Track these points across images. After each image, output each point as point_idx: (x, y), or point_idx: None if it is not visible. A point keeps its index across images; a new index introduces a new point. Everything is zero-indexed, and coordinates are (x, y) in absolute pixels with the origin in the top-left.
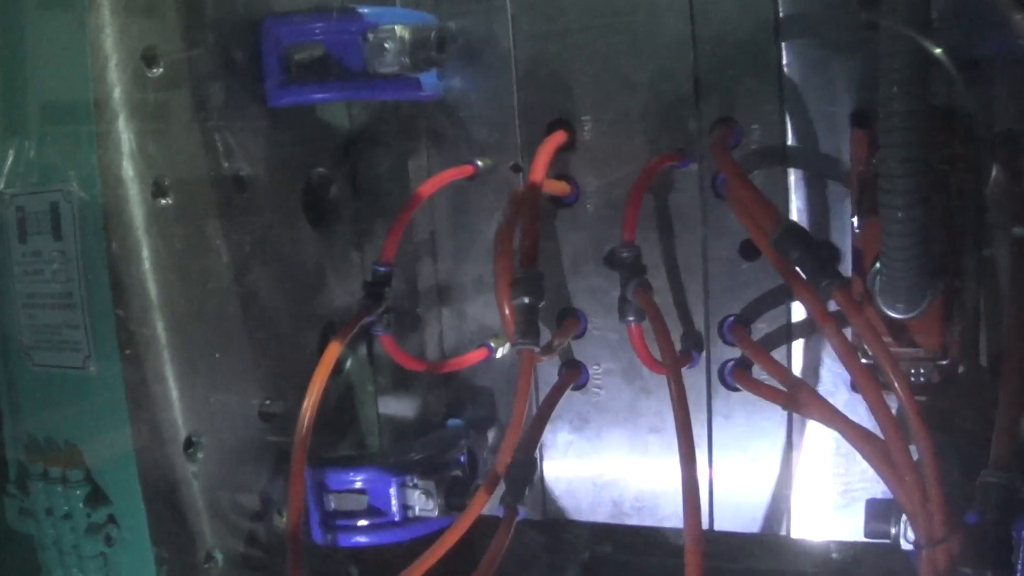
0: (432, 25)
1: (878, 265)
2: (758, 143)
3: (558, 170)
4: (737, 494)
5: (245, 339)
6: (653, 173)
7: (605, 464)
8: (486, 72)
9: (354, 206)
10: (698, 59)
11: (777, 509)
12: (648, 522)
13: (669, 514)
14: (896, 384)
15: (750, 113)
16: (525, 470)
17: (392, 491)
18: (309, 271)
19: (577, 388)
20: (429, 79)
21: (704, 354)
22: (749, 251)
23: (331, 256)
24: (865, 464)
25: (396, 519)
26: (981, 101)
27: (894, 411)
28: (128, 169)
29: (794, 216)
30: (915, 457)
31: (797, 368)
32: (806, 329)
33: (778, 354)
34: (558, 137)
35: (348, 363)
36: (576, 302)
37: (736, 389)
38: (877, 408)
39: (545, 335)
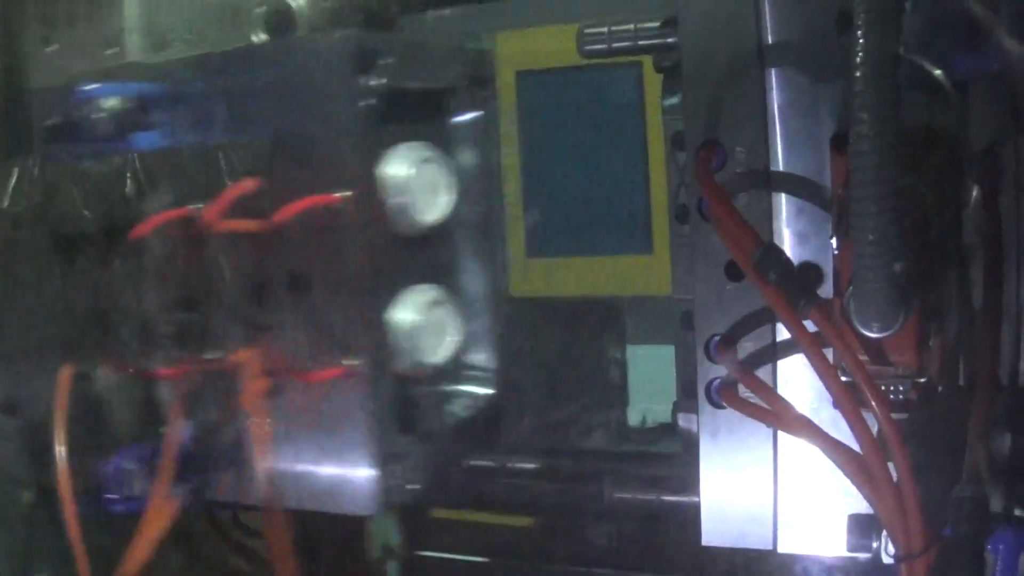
0: (136, 95)
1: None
2: (742, 166)
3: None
4: (724, 510)
5: None
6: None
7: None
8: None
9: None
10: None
11: (764, 525)
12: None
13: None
14: (872, 401)
15: (734, 135)
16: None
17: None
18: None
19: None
20: (144, 139)
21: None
22: (734, 272)
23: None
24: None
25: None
26: (960, 120)
27: (874, 428)
28: None
29: (779, 238)
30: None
31: (782, 386)
32: (790, 348)
33: (763, 372)
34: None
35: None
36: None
37: (722, 407)
38: (855, 425)
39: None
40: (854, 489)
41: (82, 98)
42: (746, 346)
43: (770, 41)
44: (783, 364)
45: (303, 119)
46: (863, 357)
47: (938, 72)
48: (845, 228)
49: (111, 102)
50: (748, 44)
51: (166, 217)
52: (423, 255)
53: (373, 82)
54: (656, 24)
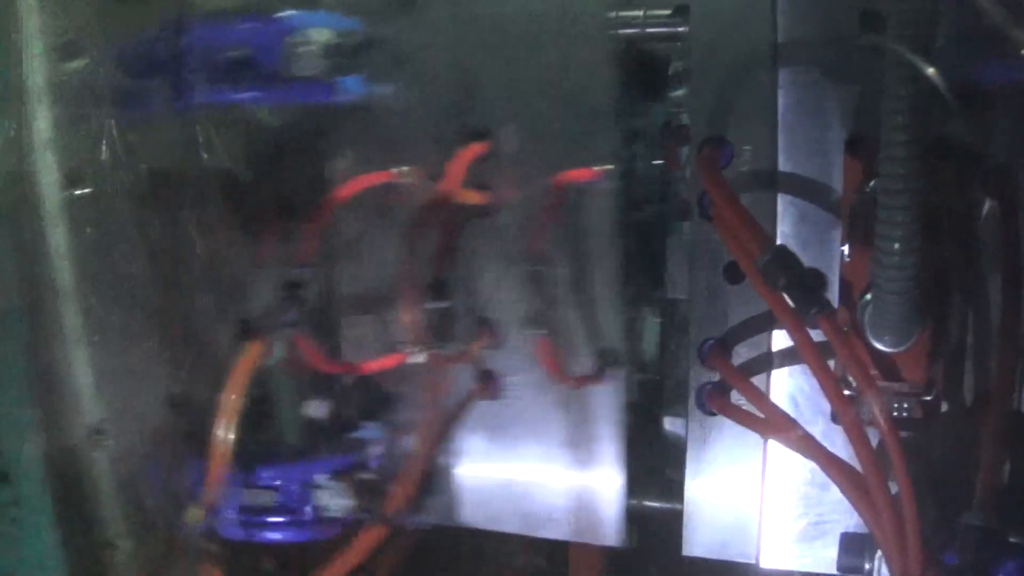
0: (355, 30)
1: (868, 296)
2: (748, 165)
3: (476, 180)
4: (708, 519)
5: (159, 331)
6: (568, 186)
7: (518, 475)
8: (410, 80)
9: (274, 207)
10: (691, 73)
11: (747, 537)
12: (561, 536)
13: (583, 529)
14: (880, 418)
15: (742, 133)
16: (434, 477)
17: (304, 489)
18: (227, 269)
19: (491, 397)
20: (352, 84)
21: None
22: (733, 274)
23: (249, 255)
24: (839, 496)
25: (307, 517)
26: (979, 132)
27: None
28: (42, 157)
29: (780, 242)
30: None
31: (776, 396)
32: (787, 357)
33: (757, 381)
34: (476, 148)
35: (269, 361)
36: (491, 311)
37: (712, 414)
38: (857, 441)
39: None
40: (846, 506)
41: (283, 28)
42: (741, 352)
43: (783, 39)
44: (776, 374)
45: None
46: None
47: (940, 82)
48: (859, 236)
49: (323, 35)
50: (761, 40)
51: (368, 181)
52: None
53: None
54: (667, 12)
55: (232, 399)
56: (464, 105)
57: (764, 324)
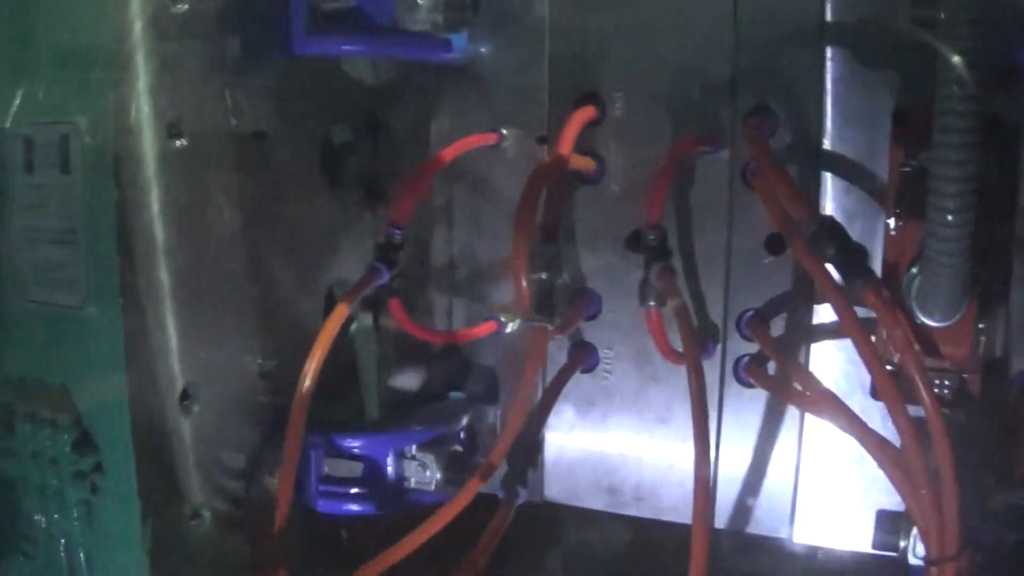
0: None
1: (914, 270)
2: (793, 136)
3: (584, 146)
4: (741, 493)
5: (248, 295)
6: (683, 155)
7: (608, 451)
8: (518, 39)
9: (371, 167)
10: (739, 43)
11: (781, 511)
12: (647, 513)
13: (669, 507)
14: (923, 394)
15: (788, 104)
16: (529, 451)
17: (389, 460)
18: (320, 231)
19: (586, 371)
20: (459, 41)
21: (719, 347)
22: (775, 245)
23: (343, 217)
24: (875, 473)
25: (390, 489)
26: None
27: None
28: (144, 108)
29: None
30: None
31: (814, 370)
32: (826, 332)
33: (795, 355)
34: (587, 111)
35: (352, 327)
36: (592, 283)
37: (750, 385)
38: (899, 417)
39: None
40: (881, 483)
41: None
42: (779, 324)
43: (832, 10)
44: (815, 348)
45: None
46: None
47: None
48: (906, 209)
49: None
50: (809, 11)
51: (472, 143)
52: None
53: None
54: None
55: (316, 362)
56: (576, 67)
57: (804, 297)
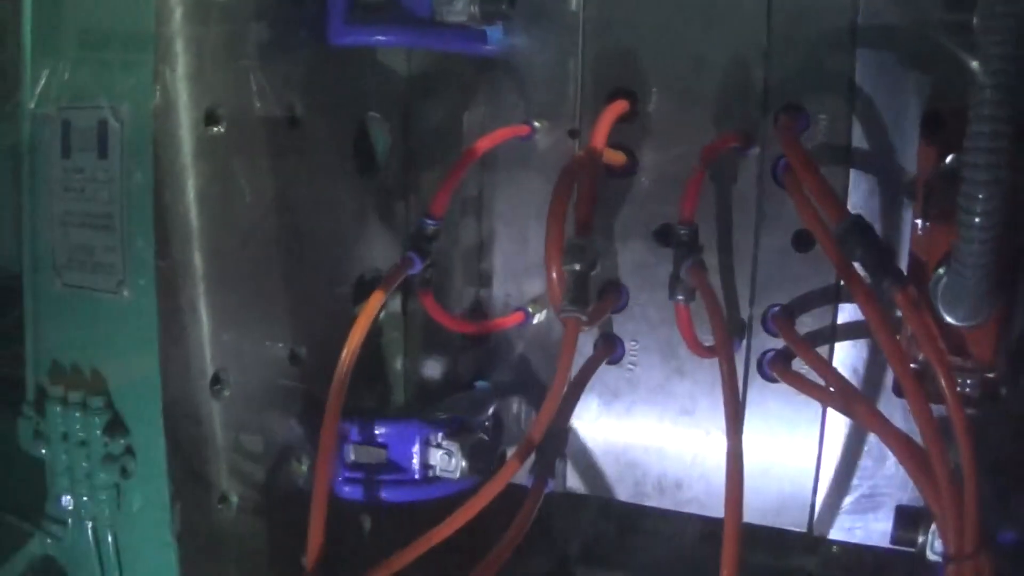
0: None
1: (941, 271)
2: (824, 135)
3: (615, 140)
4: (762, 486)
5: (281, 281)
6: (718, 152)
7: (631, 442)
8: (552, 33)
9: (403, 156)
10: (772, 42)
11: (800, 505)
12: (668, 505)
13: (690, 499)
14: (947, 392)
15: (819, 103)
16: (558, 441)
17: (415, 448)
18: (352, 218)
19: (611, 362)
20: (494, 34)
21: (744, 342)
22: (802, 242)
23: (375, 206)
24: (893, 469)
25: (416, 477)
26: None
27: None
28: (182, 94)
29: None
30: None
31: (837, 367)
32: (851, 330)
33: (820, 351)
34: (620, 106)
35: (380, 315)
36: (620, 275)
37: (773, 380)
38: (921, 415)
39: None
40: (900, 480)
41: None
42: (805, 321)
43: (864, 13)
44: (839, 346)
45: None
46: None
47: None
48: (934, 210)
49: None
50: (842, 12)
51: (507, 134)
52: None
53: None
54: None
55: (353, 347)
56: (610, 62)
57: (829, 295)
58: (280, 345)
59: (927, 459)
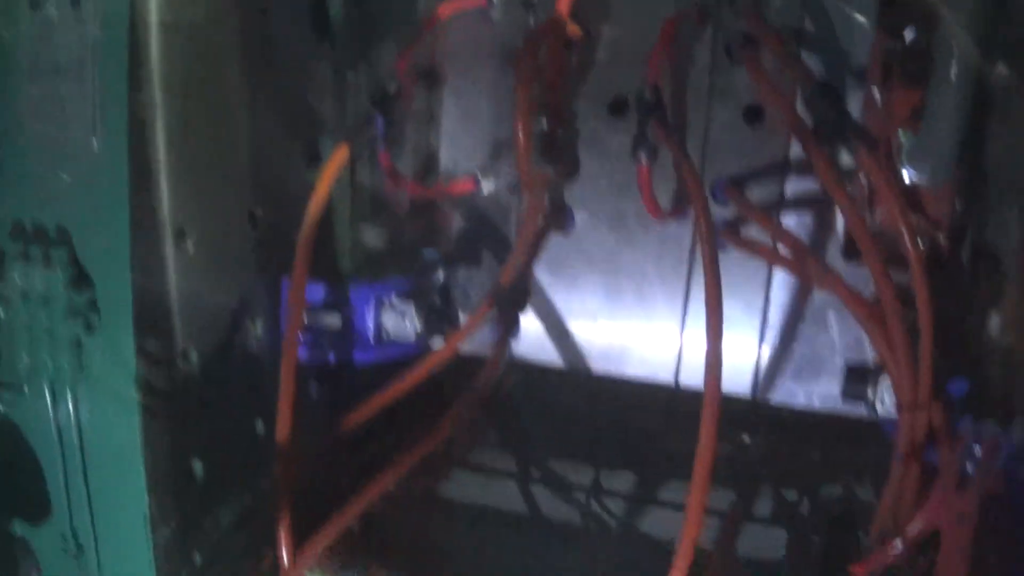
0: None
1: (903, 136)
2: (774, 15)
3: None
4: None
5: (242, 140)
6: (677, 25)
7: (577, 311)
8: None
9: (359, 22)
10: None
11: (744, 370)
12: (614, 372)
13: (636, 366)
14: (909, 247)
15: None
16: (521, 295)
17: (368, 310)
18: (308, 83)
19: (561, 231)
20: None
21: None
22: (752, 116)
23: (330, 71)
24: (836, 334)
25: (370, 339)
26: None
27: None
28: None
29: None
30: None
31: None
32: (797, 202)
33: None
34: None
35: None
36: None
37: (721, 248)
38: (880, 273)
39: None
40: (843, 344)
41: None
42: (753, 192)
43: None
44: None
45: None
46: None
47: None
48: (898, 79)
49: None
50: None
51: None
52: None
53: None
54: None
55: (320, 198)
56: None
57: (776, 168)
58: (239, 203)
59: (882, 315)
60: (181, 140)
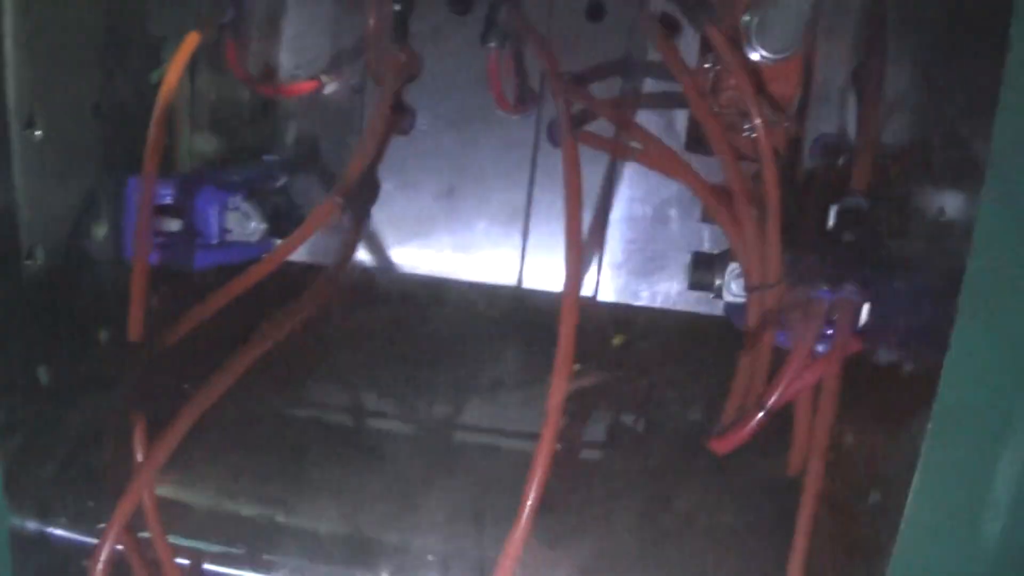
0: None
1: (747, 16)
2: None
3: None
4: (549, 254)
5: (87, 27)
6: None
7: (419, 214)
8: None
9: None
10: None
11: (586, 272)
12: (462, 276)
13: (483, 266)
14: (758, 124)
15: None
16: (370, 188)
17: (212, 210)
18: None
19: (402, 132)
20: None
21: (536, 109)
22: (595, 12)
23: None
24: (676, 231)
25: (214, 240)
26: None
27: None
28: None
29: None
30: None
31: None
32: (641, 97)
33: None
34: None
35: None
36: (414, 44)
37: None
38: (727, 156)
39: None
40: (684, 242)
41: None
42: (597, 89)
43: None
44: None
45: None
46: None
47: None
48: None
49: None
50: None
51: None
52: None
53: None
54: None
55: (166, 94)
56: None
57: (621, 64)
58: (85, 93)
59: (730, 198)
60: (27, 21)
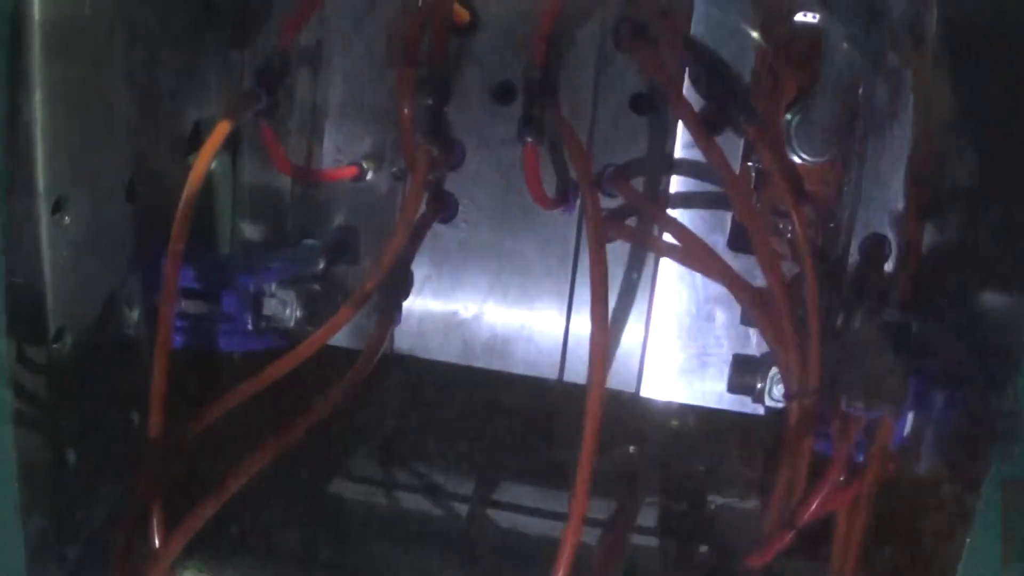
0: None
1: (790, 115)
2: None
3: None
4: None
5: (121, 111)
6: (561, 7)
7: (460, 303)
8: None
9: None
10: None
11: (629, 366)
12: (497, 366)
13: (520, 361)
14: (799, 232)
15: None
16: (401, 280)
17: (248, 298)
18: (192, 59)
19: (443, 221)
20: None
21: (578, 203)
22: (640, 105)
23: (211, 52)
24: (723, 329)
25: (248, 327)
26: None
27: None
28: None
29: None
30: None
31: None
32: (682, 198)
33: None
34: None
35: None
36: (456, 133)
37: (608, 240)
38: (768, 260)
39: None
40: (729, 340)
41: None
42: (639, 184)
43: None
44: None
45: None
46: None
47: None
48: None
49: None
50: None
51: None
52: None
53: None
54: None
55: (199, 172)
56: None
57: (665, 158)
58: (118, 176)
59: (772, 302)
60: (59, 104)
